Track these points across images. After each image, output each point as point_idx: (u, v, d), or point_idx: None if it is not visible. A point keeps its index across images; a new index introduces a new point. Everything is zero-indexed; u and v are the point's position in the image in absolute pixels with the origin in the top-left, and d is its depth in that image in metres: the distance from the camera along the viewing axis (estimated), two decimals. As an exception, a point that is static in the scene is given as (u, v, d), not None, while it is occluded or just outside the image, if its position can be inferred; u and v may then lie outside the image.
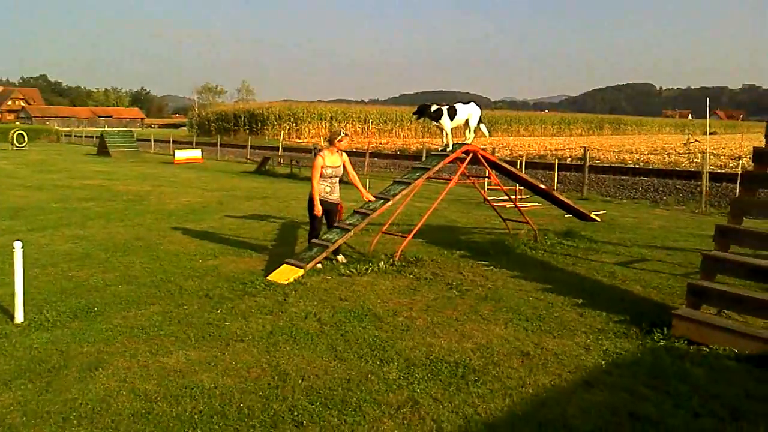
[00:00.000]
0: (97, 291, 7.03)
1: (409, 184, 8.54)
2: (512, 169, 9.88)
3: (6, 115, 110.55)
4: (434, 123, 9.29)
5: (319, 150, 8.36)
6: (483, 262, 8.49)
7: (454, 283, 7.37)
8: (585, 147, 19.48)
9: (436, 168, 8.73)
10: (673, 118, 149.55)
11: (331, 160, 8.23)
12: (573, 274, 8.04)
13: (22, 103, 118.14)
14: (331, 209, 8.40)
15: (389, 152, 37.75)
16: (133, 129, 59.66)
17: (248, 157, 31.51)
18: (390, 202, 8.34)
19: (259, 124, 61.32)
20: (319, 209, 8.14)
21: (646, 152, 34.71)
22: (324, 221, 8.42)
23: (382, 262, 8.14)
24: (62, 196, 15.64)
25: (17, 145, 38.99)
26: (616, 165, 24.58)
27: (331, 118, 64.68)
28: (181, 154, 30.45)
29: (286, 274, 7.54)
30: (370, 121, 68.02)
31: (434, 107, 9.25)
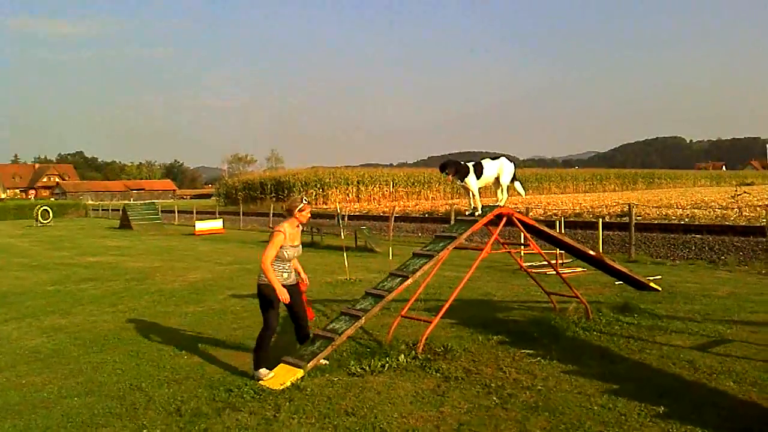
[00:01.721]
0: (44, 407, 5.63)
1: (432, 257, 7.09)
2: (554, 233, 8.38)
3: (41, 192, 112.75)
4: (459, 183, 7.92)
5: (280, 224, 6.42)
6: (527, 352, 6.89)
7: (492, 385, 5.79)
8: (630, 204, 17.81)
9: (463, 237, 7.28)
10: (707, 170, 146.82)
11: (292, 237, 6.35)
12: (642, 365, 6.40)
13: (57, 179, 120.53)
14: (293, 293, 6.41)
15: (417, 215, 36.35)
16: (157, 201, 59.55)
17: (270, 225, 30.40)
18: (409, 280, 6.87)
19: (286, 191, 60.62)
20: (285, 294, 6.15)
21: (689, 206, 32.79)
22: (288, 312, 6.58)
23: (402, 355, 6.61)
24: (62, 276, 14.49)
25: (42, 221, 38.69)
26: (661, 222, 22.79)
27: (358, 182, 63.87)
28: (202, 225, 29.48)
29: (282, 376, 6.07)
30: (398, 183, 67.04)
31: (462, 163, 7.94)
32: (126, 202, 57.44)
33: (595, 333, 7.70)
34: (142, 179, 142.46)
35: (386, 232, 24.45)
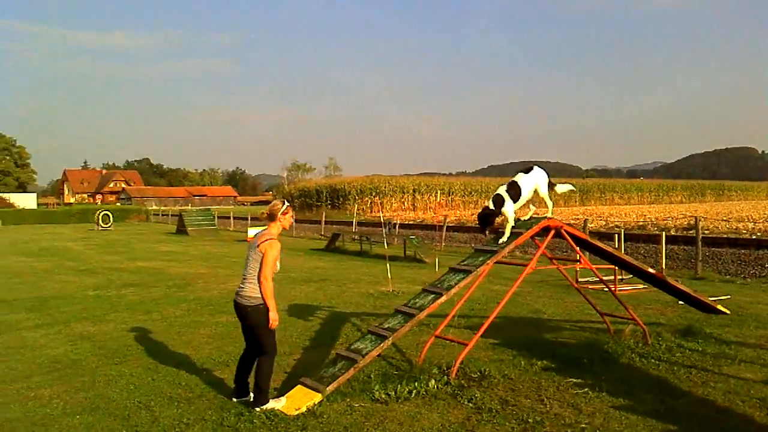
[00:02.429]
0: (43, 425, 5.26)
1: (470, 272, 6.45)
2: (607, 248, 7.61)
3: (108, 197, 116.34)
4: (499, 218, 7.04)
5: (268, 232, 5.64)
6: (574, 381, 6.18)
7: (530, 421, 5.12)
8: (696, 217, 16.64)
9: (506, 251, 6.63)
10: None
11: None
12: (705, 402, 5.60)
13: (123, 185, 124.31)
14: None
15: (472, 225, 35.49)
16: (215, 207, 60.44)
17: (322, 233, 30.18)
18: (443, 298, 6.25)
19: (341, 199, 60.73)
20: (277, 319, 5.48)
21: (761, 220, 30.89)
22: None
23: (433, 381, 5.99)
24: (106, 281, 14.43)
25: (102, 225, 39.55)
26: (731, 236, 21.37)
27: (414, 190, 63.38)
28: (253, 232, 29.42)
29: (298, 400, 5.55)
30: (454, 192, 66.21)
31: (490, 202, 6.97)
32: (194, 208, 58.40)
33: (653, 361, 6.90)
34: (204, 186, 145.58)
35: (438, 241, 23.82)
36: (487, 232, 6.96)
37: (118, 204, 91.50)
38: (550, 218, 7.06)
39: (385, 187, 61.96)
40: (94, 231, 37.96)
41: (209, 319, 9.74)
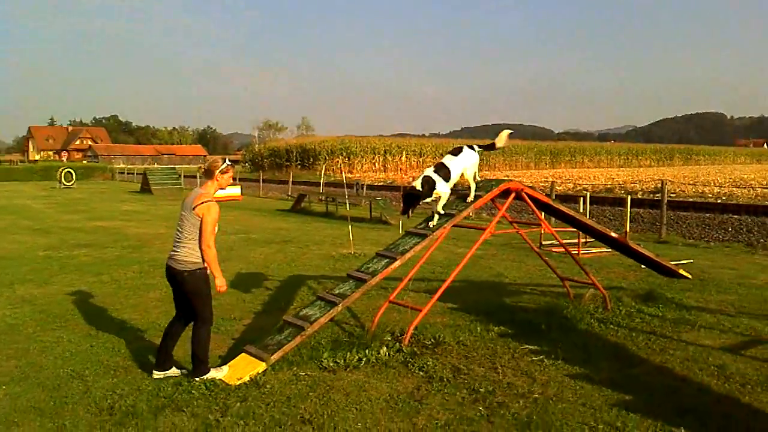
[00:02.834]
0: (-36, 397, 4.91)
1: (425, 236, 6.18)
2: (569, 211, 7.38)
3: (74, 154, 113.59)
4: (431, 199, 6.53)
5: (205, 191, 5.20)
6: (530, 348, 5.99)
7: (482, 390, 4.91)
8: (663, 180, 16.55)
9: (464, 214, 6.35)
10: (748, 147, 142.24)
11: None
12: (663, 370, 5.46)
13: (90, 142, 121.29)
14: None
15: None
16: (180, 166, 59.37)
17: (289, 193, 29.72)
18: (397, 263, 5.98)
19: (311, 159, 59.98)
20: (224, 283, 5.24)
21: (727, 184, 31.22)
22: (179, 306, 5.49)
23: (385, 348, 5.75)
24: (59, 241, 13.91)
25: (65, 183, 38.48)
26: (697, 200, 21.45)
27: (385, 151, 62.83)
28: (219, 192, 28.79)
29: (241, 368, 5.27)
30: (426, 154, 65.79)
31: (418, 183, 6.45)
32: (151, 166, 57.20)
33: (611, 326, 6.75)
34: (173, 144, 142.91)
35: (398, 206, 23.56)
36: (409, 213, 6.48)
37: (84, 162, 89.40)
38: (511, 181, 6.79)
39: (356, 148, 61.27)
40: (56, 189, 36.90)
41: (161, 282, 9.33)
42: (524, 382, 5.11)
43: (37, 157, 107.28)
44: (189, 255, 5.07)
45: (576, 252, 8.27)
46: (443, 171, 6.52)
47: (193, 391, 4.93)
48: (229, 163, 5.29)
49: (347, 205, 14.62)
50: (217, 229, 5.19)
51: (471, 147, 6.78)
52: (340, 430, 4.24)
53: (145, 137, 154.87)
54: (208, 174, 5.23)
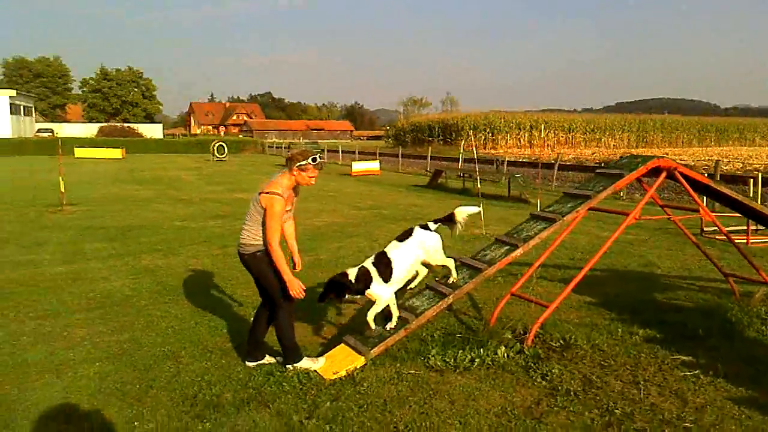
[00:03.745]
0: (55, 372, 4.77)
1: (554, 221, 5.28)
2: (736, 195, 6.10)
3: (231, 129, 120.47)
4: (358, 297, 5.09)
5: (276, 182, 4.62)
6: (683, 359, 4.95)
7: (617, 412, 4.02)
8: None
9: (602, 196, 5.36)
10: None
11: (288, 201, 4.69)
12: None
13: (245, 118, 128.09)
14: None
15: (592, 165, 33.18)
16: (326, 141, 60.76)
17: (427, 169, 29.16)
18: (518, 251, 5.15)
19: (453, 135, 59.06)
20: (297, 288, 4.57)
21: None
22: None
23: (503, 348, 4.97)
24: (198, 211, 14.28)
25: (218, 156, 40.47)
26: None
27: (531, 127, 60.54)
28: (358, 166, 28.95)
29: (338, 361, 4.74)
30: (575, 130, 62.66)
31: (353, 272, 4.97)
32: (296, 141, 58.96)
33: (790, 337, 5.50)
34: (321, 120, 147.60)
35: (550, 181, 22.21)
36: (326, 300, 5.04)
37: (240, 136, 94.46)
38: (662, 158, 5.67)
39: (500, 123, 59.54)
40: (209, 162, 38.90)
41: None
42: (673, 404, 4.14)
43: (197, 131, 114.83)
44: (249, 237, 4.63)
45: (743, 242, 6.95)
46: (382, 264, 4.99)
47: (284, 384, 4.46)
48: (315, 162, 4.61)
49: (478, 182, 13.74)
50: (286, 214, 4.65)
51: (424, 226, 5.29)
52: (437, 450, 3.56)
53: (296, 113, 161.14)
54: (288, 164, 4.68)
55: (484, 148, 55.83)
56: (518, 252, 5.11)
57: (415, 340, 5.21)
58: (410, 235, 5.18)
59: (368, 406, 4.10)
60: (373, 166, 29.42)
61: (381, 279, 4.89)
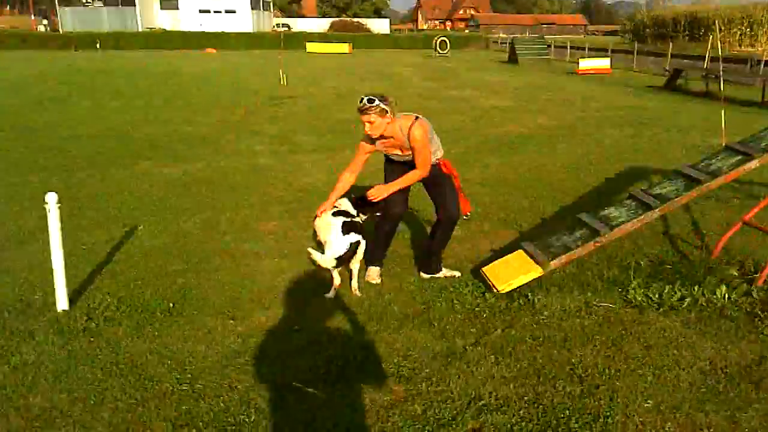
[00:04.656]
0: (248, 276, 4.86)
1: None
2: None
3: (457, 23, 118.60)
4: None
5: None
6: None
7: None
8: None
9: None
10: None
11: (382, 145, 4.34)
12: None
13: (472, 12, 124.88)
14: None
15: None
16: (558, 36, 57.18)
17: (666, 67, 26.06)
18: (754, 162, 4.09)
19: (702, 30, 52.08)
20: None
21: None
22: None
23: (724, 287, 4.06)
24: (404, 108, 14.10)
25: (440, 51, 39.96)
26: None
27: (803, 20, 51.26)
28: (586, 63, 26.72)
29: (513, 269, 4.19)
30: None
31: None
32: (522, 36, 56.08)
33: None
34: (553, 14, 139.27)
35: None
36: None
37: (466, 31, 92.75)
38: None
39: (762, 17, 51.15)
40: (431, 58, 38.57)
41: (481, 159, 8.65)
42: None
43: (424, 27, 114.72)
44: None
45: None
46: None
47: (455, 302, 4.07)
48: (372, 105, 4.03)
49: (721, 82, 11.72)
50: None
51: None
52: (616, 405, 2.97)
53: (526, 7, 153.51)
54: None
55: (740, 46, 48.63)
56: (754, 163, 4.06)
57: (614, 267, 4.50)
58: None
59: (545, 340, 3.58)
60: (602, 63, 26.99)
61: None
